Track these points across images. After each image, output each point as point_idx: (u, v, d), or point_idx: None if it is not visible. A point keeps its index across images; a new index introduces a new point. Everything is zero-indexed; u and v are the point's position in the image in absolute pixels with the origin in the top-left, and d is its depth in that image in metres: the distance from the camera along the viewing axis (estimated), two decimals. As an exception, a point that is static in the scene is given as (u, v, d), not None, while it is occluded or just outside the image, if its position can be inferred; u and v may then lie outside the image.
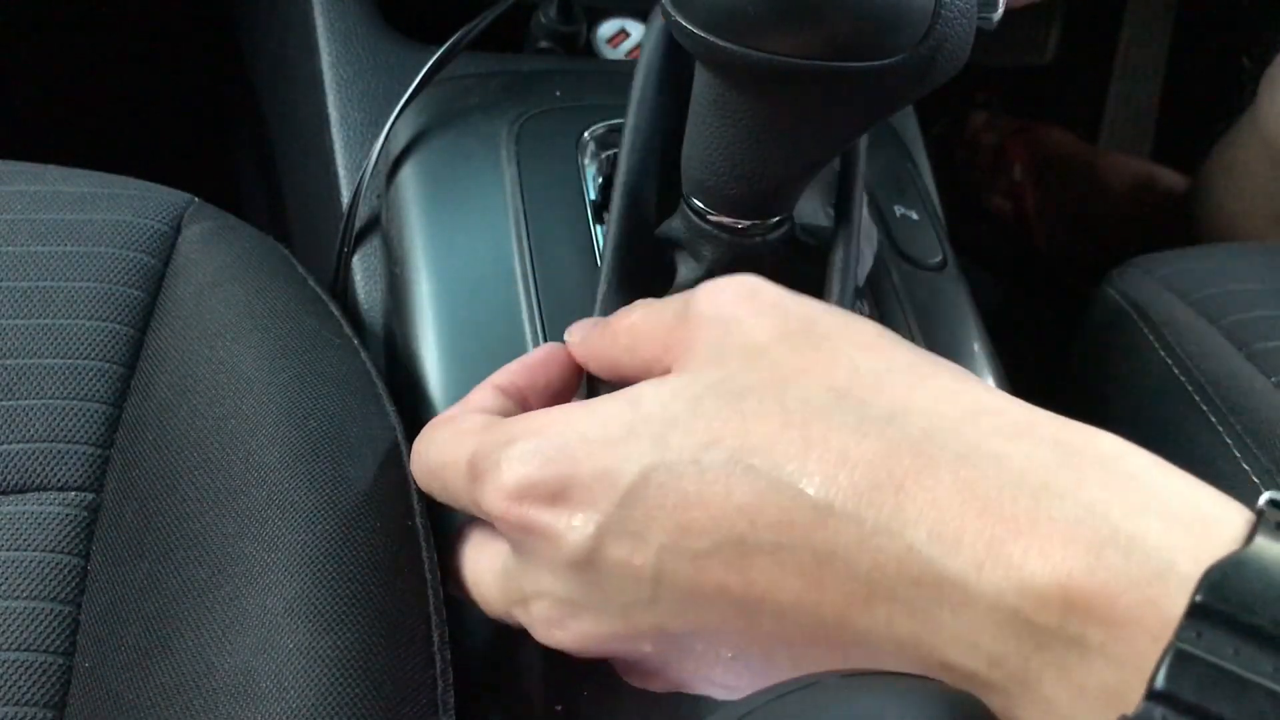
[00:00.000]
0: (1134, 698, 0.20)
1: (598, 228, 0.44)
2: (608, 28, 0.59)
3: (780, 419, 0.25)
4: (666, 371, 0.28)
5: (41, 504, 0.36)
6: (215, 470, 0.36)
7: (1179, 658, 0.20)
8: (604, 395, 0.28)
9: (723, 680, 0.28)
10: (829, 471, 0.24)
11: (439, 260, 0.44)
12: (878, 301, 0.46)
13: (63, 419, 0.37)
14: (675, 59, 0.40)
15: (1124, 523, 0.22)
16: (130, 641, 0.33)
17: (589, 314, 0.42)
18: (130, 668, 0.32)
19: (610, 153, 0.46)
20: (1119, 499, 0.23)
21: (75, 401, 0.38)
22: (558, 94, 0.49)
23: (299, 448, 0.36)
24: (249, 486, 0.35)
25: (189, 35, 0.88)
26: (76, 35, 0.87)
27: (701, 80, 0.33)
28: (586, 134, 0.47)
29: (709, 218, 0.36)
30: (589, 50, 0.59)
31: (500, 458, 0.28)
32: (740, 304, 0.28)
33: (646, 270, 0.38)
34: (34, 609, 0.33)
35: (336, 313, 0.43)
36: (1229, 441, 0.46)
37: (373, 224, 0.49)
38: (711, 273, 0.37)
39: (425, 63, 0.48)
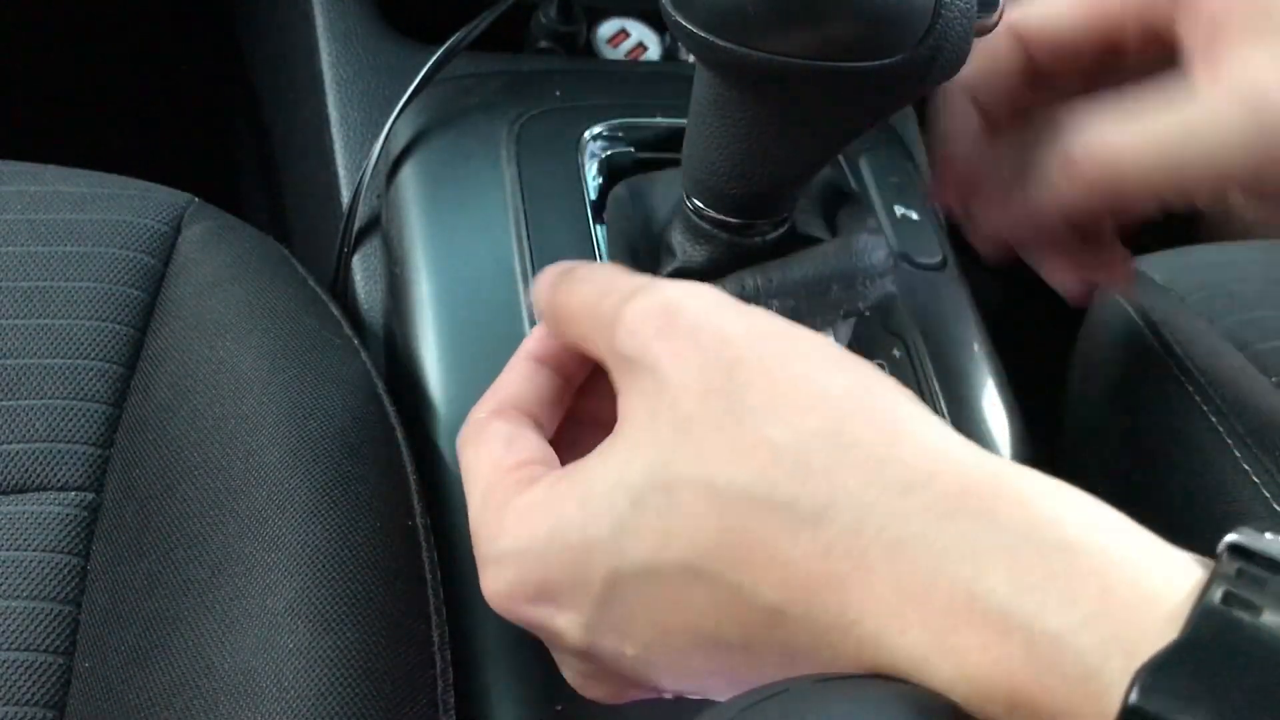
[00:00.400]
0: None
1: (598, 228, 0.44)
2: (608, 28, 0.59)
3: (717, 520, 0.25)
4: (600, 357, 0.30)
5: (41, 504, 0.36)
6: (215, 470, 0.36)
7: None
8: (554, 486, 0.29)
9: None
10: (773, 579, 0.24)
11: (439, 260, 0.44)
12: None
13: (63, 419, 0.37)
14: None
15: (1058, 615, 0.22)
16: (130, 641, 0.33)
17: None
18: (130, 668, 0.32)
19: (610, 152, 0.46)
20: (1055, 585, 0.22)
21: (75, 401, 0.38)
22: (558, 94, 0.49)
23: (299, 448, 0.36)
24: (249, 486, 0.35)
25: (189, 35, 0.88)
26: (76, 35, 0.87)
27: (701, 80, 0.33)
28: (586, 134, 0.47)
29: (709, 217, 0.36)
30: (589, 50, 0.59)
31: (486, 560, 0.29)
32: (659, 341, 0.28)
33: (646, 270, 0.38)
34: (34, 609, 0.33)
35: (336, 313, 0.43)
36: (1230, 442, 0.46)
37: (373, 224, 0.49)
38: (709, 274, 0.37)
39: (425, 63, 0.48)
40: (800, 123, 0.32)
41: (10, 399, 0.37)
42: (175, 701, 0.31)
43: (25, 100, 0.85)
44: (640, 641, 0.27)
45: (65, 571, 0.35)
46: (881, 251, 0.32)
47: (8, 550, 0.34)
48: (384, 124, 0.47)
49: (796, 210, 0.38)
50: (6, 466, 0.36)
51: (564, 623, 0.28)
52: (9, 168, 0.45)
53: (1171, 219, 0.37)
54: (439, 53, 0.48)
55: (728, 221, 0.36)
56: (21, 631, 0.33)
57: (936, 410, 0.43)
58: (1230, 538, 0.22)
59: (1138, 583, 0.22)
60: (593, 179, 0.46)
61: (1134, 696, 0.20)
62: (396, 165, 0.47)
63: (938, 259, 0.48)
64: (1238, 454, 0.46)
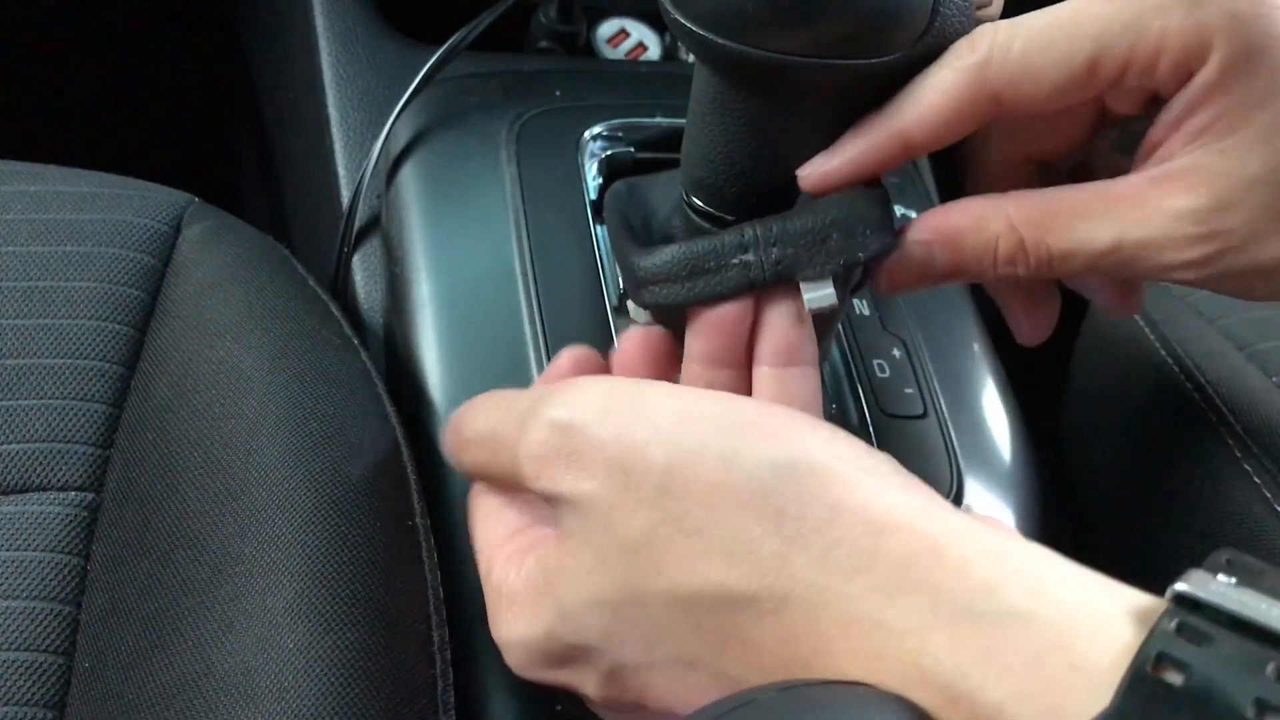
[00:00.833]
0: None
1: (597, 228, 0.44)
2: (608, 28, 0.59)
3: (693, 623, 0.27)
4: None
5: (41, 504, 0.36)
6: (215, 470, 0.36)
7: None
8: (537, 591, 0.30)
9: None
10: (751, 664, 0.26)
11: (439, 260, 0.44)
12: (878, 303, 0.46)
13: (63, 419, 0.37)
14: None
15: (996, 687, 0.22)
16: (130, 641, 0.33)
17: (588, 314, 0.42)
18: (130, 668, 0.32)
19: (610, 152, 0.46)
20: (992, 658, 0.23)
21: (75, 401, 0.38)
22: (558, 94, 0.49)
23: (299, 448, 0.36)
24: (249, 486, 0.35)
25: (189, 35, 0.88)
26: (77, 35, 0.87)
27: (701, 78, 0.33)
28: (586, 134, 0.47)
29: (708, 215, 0.36)
30: (589, 50, 0.59)
31: (498, 640, 0.32)
32: (569, 473, 0.28)
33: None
34: (34, 609, 0.33)
35: (336, 313, 0.43)
36: (1230, 442, 0.46)
37: (373, 224, 0.49)
38: None
39: (425, 63, 0.48)
40: (800, 121, 0.32)
41: (10, 399, 0.37)
42: (175, 701, 0.31)
43: (25, 100, 0.85)
44: (657, 700, 0.29)
45: (65, 572, 0.35)
46: (883, 203, 0.32)
47: (8, 550, 0.34)
48: (384, 124, 0.47)
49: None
50: (6, 466, 0.36)
51: (586, 680, 0.30)
52: (9, 168, 0.45)
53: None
54: (439, 53, 0.48)
55: (726, 219, 0.36)
56: (21, 631, 0.33)
57: (937, 410, 0.43)
58: (1178, 586, 0.22)
59: (1071, 649, 0.22)
60: (592, 179, 0.46)
61: None
62: (396, 165, 0.47)
63: (938, 259, 0.48)
64: (1238, 454, 0.46)
